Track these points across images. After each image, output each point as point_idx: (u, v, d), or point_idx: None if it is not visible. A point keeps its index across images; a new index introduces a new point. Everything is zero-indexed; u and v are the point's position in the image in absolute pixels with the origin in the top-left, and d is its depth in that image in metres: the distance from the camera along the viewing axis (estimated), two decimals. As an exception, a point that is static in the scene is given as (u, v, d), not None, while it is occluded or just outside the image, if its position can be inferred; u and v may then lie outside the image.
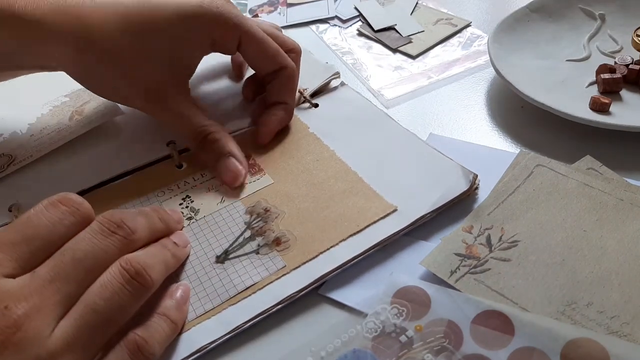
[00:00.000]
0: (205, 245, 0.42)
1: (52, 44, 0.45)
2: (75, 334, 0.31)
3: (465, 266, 0.37)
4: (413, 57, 0.61)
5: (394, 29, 0.66)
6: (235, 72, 0.59)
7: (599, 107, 0.48)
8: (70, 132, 0.54)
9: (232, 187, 0.46)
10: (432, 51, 0.62)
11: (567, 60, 0.55)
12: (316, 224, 0.42)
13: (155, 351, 0.33)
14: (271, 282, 0.39)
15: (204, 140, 0.47)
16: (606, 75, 0.50)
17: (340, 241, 0.41)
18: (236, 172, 0.46)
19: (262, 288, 0.39)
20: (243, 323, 0.37)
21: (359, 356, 0.34)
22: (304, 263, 0.40)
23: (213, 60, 0.61)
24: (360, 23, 0.69)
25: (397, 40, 0.64)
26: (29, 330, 0.29)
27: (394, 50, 0.63)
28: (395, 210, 0.42)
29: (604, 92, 0.50)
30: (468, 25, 0.65)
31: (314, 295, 0.39)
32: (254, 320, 0.37)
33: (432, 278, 0.37)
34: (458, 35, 0.64)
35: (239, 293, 0.39)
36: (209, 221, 0.44)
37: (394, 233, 0.41)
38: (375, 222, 0.42)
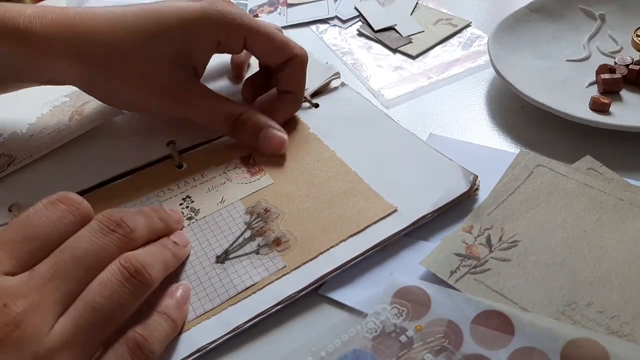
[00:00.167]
0: (205, 245, 0.42)
1: (59, 60, 0.46)
2: (74, 332, 0.31)
3: (465, 266, 0.38)
4: (413, 57, 0.61)
5: (394, 29, 0.66)
6: (234, 73, 0.60)
7: (599, 107, 0.48)
8: (71, 132, 0.54)
9: (279, 154, 0.48)
10: (432, 51, 0.62)
11: (567, 60, 0.55)
12: (316, 225, 0.42)
13: (155, 349, 0.33)
14: (271, 282, 0.39)
15: (237, 122, 0.48)
16: (606, 76, 0.50)
17: (341, 241, 0.41)
18: (280, 139, 0.48)
19: (262, 288, 0.39)
20: (243, 323, 0.37)
21: (359, 356, 0.34)
22: (304, 263, 0.40)
23: (212, 60, 0.61)
24: (360, 23, 0.69)
25: (397, 40, 0.64)
26: (27, 328, 0.29)
27: (394, 51, 0.63)
28: (395, 211, 0.42)
29: (604, 92, 0.50)
30: (468, 26, 0.65)
31: (314, 295, 0.39)
32: (254, 321, 0.37)
33: (432, 278, 0.37)
34: (458, 35, 0.64)
35: (239, 293, 0.39)
36: (209, 221, 0.44)
37: (394, 233, 0.41)
38: (375, 222, 0.42)
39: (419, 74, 0.59)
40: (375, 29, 0.66)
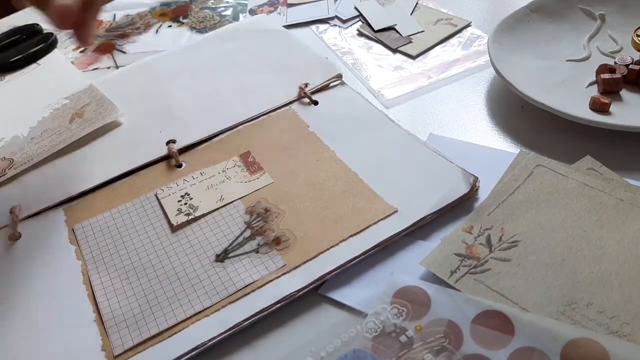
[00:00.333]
0: (205, 244, 0.42)
1: None
2: None
3: (465, 266, 0.37)
4: (413, 57, 0.61)
5: (394, 29, 0.66)
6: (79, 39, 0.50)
7: (599, 107, 0.48)
8: (71, 135, 0.54)
9: (65, 25, 0.44)
10: (432, 51, 0.62)
11: (567, 60, 0.55)
12: (316, 224, 0.42)
13: None
14: (271, 280, 0.39)
15: None
16: (606, 75, 0.50)
17: (341, 241, 0.41)
18: (63, 8, 0.42)
19: (261, 286, 0.39)
20: (242, 321, 0.37)
21: (359, 356, 0.34)
22: (304, 262, 0.40)
23: (211, 60, 0.62)
24: (360, 23, 0.69)
25: (397, 40, 0.64)
26: None
27: (394, 50, 0.63)
28: (395, 212, 0.42)
29: (604, 92, 0.50)
30: (468, 25, 0.65)
31: (314, 295, 0.39)
32: (254, 319, 0.37)
33: (432, 278, 0.37)
34: (458, 35, 0.63)
35: (238, 291, 0.39)
36: (208, 220, 0.44)
37: (394, 234, 0.41)
38: (375, 223, 0.42)
39: (419, 74, 0.59)
40: (375, 29, 0.66)
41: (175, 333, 0.37)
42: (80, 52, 0.72)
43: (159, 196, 0.47)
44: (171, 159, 0.51)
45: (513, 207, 0.41)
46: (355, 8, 0.70)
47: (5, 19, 0.83)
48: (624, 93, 0.50)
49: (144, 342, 0.37)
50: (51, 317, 0.39)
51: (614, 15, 0.58)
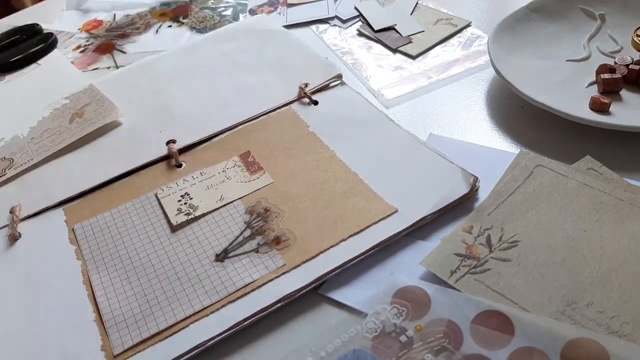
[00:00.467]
0: (205, 244, 0.42)
1: None
2: None
3: (465, 266, 0.37)
4: (413, 57, 0.61)
5: (394, 29, 0.66)
6: None
7: (599, 107, 0.48)
8: (71, 135, 0.54)
9: None
10: (432, 51, 0.62)
11: (567, 60, 0.55)
12: (316, 224, 0.42)
13: None
14: (271, 280, 0.39)
15: None
16: (606, 75, 0.50)
17: (341, 241, 0.41)
18: None
19: (261, 286, 0.39)
20: (242, 320, 0.37)
21: (359, 356, 0.34)
22: (304, 262, 0.40)
23: (211, 60, 0.61)
24: (360, 23, 0.69)
25: (397, 40, 0.64)
26: None
27: (394, 50, 0.63)
28: (395, 212, 0.42)
29: (604, 92, 0.50)
30: (468, 25, 0.65)
31: (314, 295, 0.39)
32: (254, 318, 0.37)
33: (432, 278, 0.37)
34: (458, 35, 0.63)
35: (238, 290, 0.39)
36: (208, 220, 0.44)
37: (394, 234, 0.41)
38: (375, 222, 0.42)
39: (419, 74, 0.59)
40: (375, 29, 0.66)
41: (175, 332, 0.37)
42: (81, 52, 0.72)
43: (159, 196, 0.47)
44: (171, 159, 0.51)
45: (513, 207, 0.41)
46: (355, 8, 0.70)
47: (5, 19, 0.83)
48: (624, 93, 0.50)
49: (144, 341, 0.37)
50: (51, 317, 0.39)
51: (614, 15, 0.58)
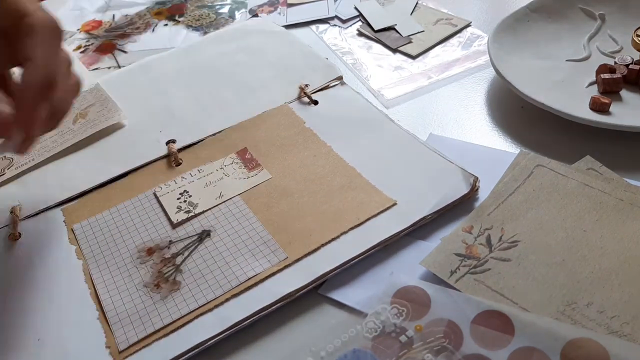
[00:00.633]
0: (206, 239, 0.43)
1: None
2: None
3: (465, 266, 0.37)
4: (413, 57, 0.61)
5: (394, 29, 0.66)
6: None
7: (599, 107, 0.48)
8: (74, 136, 0.54)
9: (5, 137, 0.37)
10: (432, 51, 0.62)
11: (567, 60, 0.55)
12: (316, 218, 0.42)
13: None
14: (273, 273, 0.39)
15: None
16: (606, 75, 0.50)
17: (342, 234, 0.41)
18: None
19: (264, 280, 0.39)
20: (242, 319, 0.37)
21: (359, 356, 0.34)
22: (306, 255, 0.40)
23: (212, 60, 0.61)
24: (360, 23, 0.69)
25: (397, 40, 0.64)
26: None
27: (394, 50, 0.63)
28: (395, 204, 0.42)
29: (604, 92, 0.50)
30: (468, 25, 0.65)
31: (314, 295, 0.39)
32: (254, 318, 0.37)
33: (432, 278, 0.37)
34: (458, 35, 0.63)
35: (241, 284, 0.39)
36: (209, 217, 0.44)
37: (395, 234, 0.41)
38: (375, 215, 0.42)
39: (419, 74, 0.59)
40: (375, 29, 0.66)
41: (179, 327, 0.37)
42: (81, 52, 0.72)
43: (158, 194, 0.47)
44: (170, 158, 0.51)
45: (513, 207, 0.41)
46: (355, 8, 0.70)
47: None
48: (624, 93, 0.50)
49: (149, 336, 0.37)
50: (53, 317, 0.39)
51: (614, 15, 0.58)
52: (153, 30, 0.74)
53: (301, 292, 0.38)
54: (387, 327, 0.35)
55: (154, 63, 0.65)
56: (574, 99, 0.49)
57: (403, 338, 0.34)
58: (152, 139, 0.53)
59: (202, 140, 0.52)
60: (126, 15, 0.79)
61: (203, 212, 0.45)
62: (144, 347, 0.36)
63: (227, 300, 0.38)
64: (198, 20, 0.74)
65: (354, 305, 0.37)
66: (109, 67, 0.68)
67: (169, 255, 0.42)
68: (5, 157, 0.53)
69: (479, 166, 0.44)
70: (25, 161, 0.52)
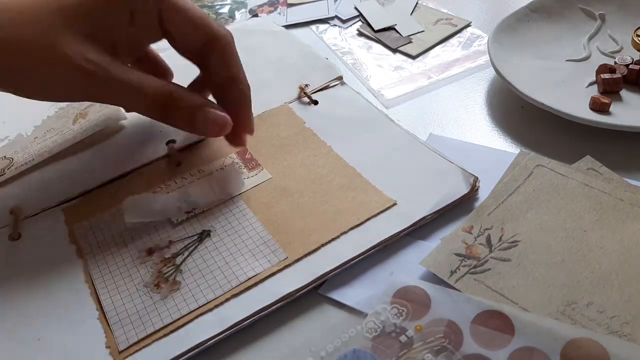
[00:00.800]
0: (206, 239, 0.43)
1: None
2: None
3: (465, 266, 0.38)
4: (413, 57, 0.61)
5: (394, 29, 0.66)
6: None
7: (599, 107, 0.48)
8: (74, 136, 0.54)
9: (220, 136, 0.45)
10: (432, 51, 0.62)
11: (567, 60, 0.55)
12: (316, 218, 0.42)
13: None
14: (273, 273, 0.39)
15: (167, 102, 0.42)
16: (606, 75, 0.50)
17: (342, 234, 0.41)
18: (222, 119, 0.43)
19: (264, 280, 0.39)
20: (242, 320, 0.37)
21: (359, 356, 0.34)
22: (306, 255, 0.40)
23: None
24: (360, 23, 0.69)
25: (397, 40, 0.64)
26: None
27: (394, 50, 0.63)
28: (395, 204, 0.42)
29: (604, 92, 0.50)
30: (468, 25, 0.65)
31: (314, 295, 0.39)
32: (253, 318, 0.37)
33: (432, 278, 0.37)
34: (458, 35, 0.64)
35: (241, 284, 0.39)
36: (209, 217, 0.44)
37: (395, 234, 0.41)
38: (375, 215, 0.42)
39: (419, 74, 0.59)
40: (375, 29, 0.66)
41: (179, 327, 0.37)
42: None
43: (157, 195, 0.47)
44: (170, 158, 0.51)
45: (513, 207, 0.41)
46: (355, 8, 0.71)
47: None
48: (624, 93, 0.50)
49: (149, 336, 0.37)
50: (53, 317, 0.39)
51: (614, 15, 0.58)
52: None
53: (301, 292, 0.38)
54: (387, 327, 0.35)
55: (154, 63, 0.65)
56: (574, 99, 0.49)
57: (403, 338, 0.34)
58: (153, 139, 0.53)
59: (202, 140, 0.52)
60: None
61: (203, 212, 0.45)
62: (144, 347, 0.36)
63: (227, 300, 0.38)
64: (197, 19, 0.74)
65: (354, 305, 0.37)
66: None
67: (169, 255, 0.42)
68: (5, 157, 0.53)
69: (479, 166, 0.44)
70: (25, 161, 0.52)
